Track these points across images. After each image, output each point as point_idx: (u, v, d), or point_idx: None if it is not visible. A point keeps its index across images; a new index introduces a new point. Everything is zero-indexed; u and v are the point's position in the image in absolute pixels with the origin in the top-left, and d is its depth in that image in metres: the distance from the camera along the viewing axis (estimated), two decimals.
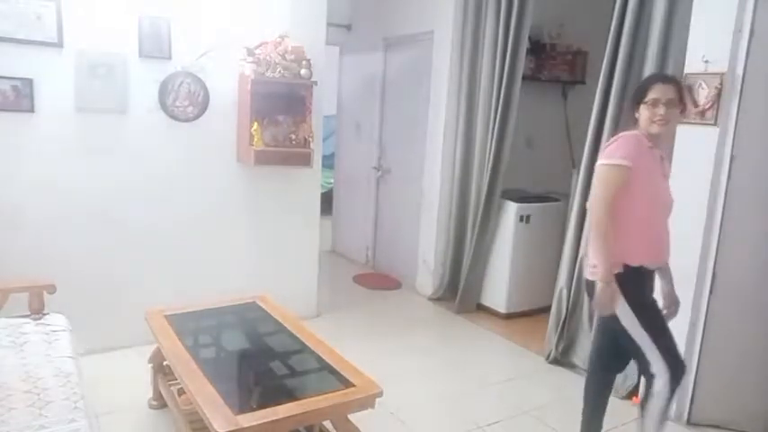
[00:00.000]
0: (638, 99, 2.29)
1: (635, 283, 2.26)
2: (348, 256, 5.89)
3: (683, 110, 2.37)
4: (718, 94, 2.70)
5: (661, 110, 2.21)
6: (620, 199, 2.20)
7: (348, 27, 5.53)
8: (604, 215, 2.20)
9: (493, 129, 4.12)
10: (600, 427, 2.52)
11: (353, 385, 2.21)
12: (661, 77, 2.38)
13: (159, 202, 3.45)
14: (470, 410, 3.01)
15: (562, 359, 3.55)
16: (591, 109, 3.37)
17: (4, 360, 2.17)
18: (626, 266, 2.23)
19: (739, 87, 2.68)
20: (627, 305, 2.22)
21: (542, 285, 4.21)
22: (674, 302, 2.45)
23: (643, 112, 2.26)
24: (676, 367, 2.26)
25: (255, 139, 3.43)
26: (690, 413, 2.94)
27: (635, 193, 2.21)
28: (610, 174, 2.21)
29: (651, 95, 2.24)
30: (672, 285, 2.45)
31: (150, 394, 2.85)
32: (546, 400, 3.16)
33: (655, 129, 2.23)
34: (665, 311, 2.41)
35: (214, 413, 1.96)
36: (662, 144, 2.35)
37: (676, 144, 2.91)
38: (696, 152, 2.82)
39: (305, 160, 3.60)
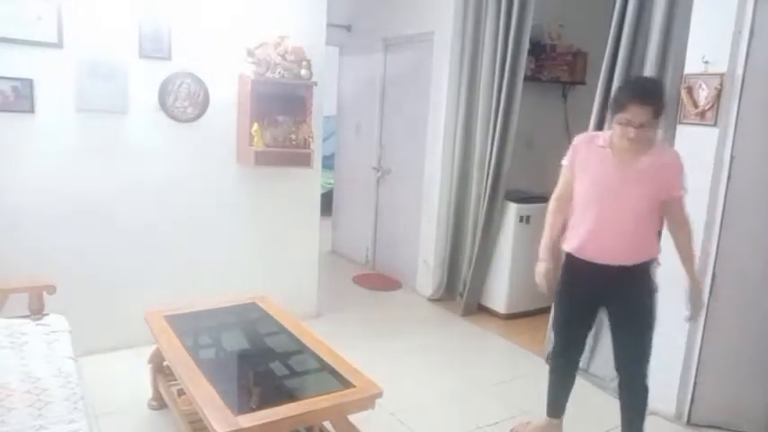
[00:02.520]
0: (614, 111, 2.24)
1: (564, 266, 2.51)
2: (348, 257, 5.89)
3: (658, 125, 2.24)
4: (718, 95, 2.69)
5: (631, 133, 2.17)
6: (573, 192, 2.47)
7: (348, 28, 5.53)
8: (550, 204, 2.59)
9: (494, 130, 4.12)
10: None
11: (353, 386, 2.21)
12: (640, 96, 2.17)
13: (159, 202, 3.45)
14: (470, 411, 3.01)
15: None
16: (591, 109, 3.36)
17: (4, 360, 2.17)
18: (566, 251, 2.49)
19: (739, 88, 2.68)
20: (545, 284, 2.53)
21: None
22: (693, 305, 2.41)
23: (615, 126, 2.24)
24: (554, 357, 2.68)
25: (255, 140, 3.43)
26: (690, 413, 2.94)
27: (576, 187, 2.44)
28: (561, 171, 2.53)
29: (625, 115, 2.17)
30: (692, 288, 2.39)
31: (150, 395, 2.85)
32: (546, 400, 3.15)
33: (624, 144, 2.23)
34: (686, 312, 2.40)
35: (214, 414, 1.96)
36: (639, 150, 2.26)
37: (676, 144, 2.92)
38: (696, 153, 2.82)
39: (305, 161, 3.60)
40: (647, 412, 2.46)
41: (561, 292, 2.54)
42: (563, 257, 2.51)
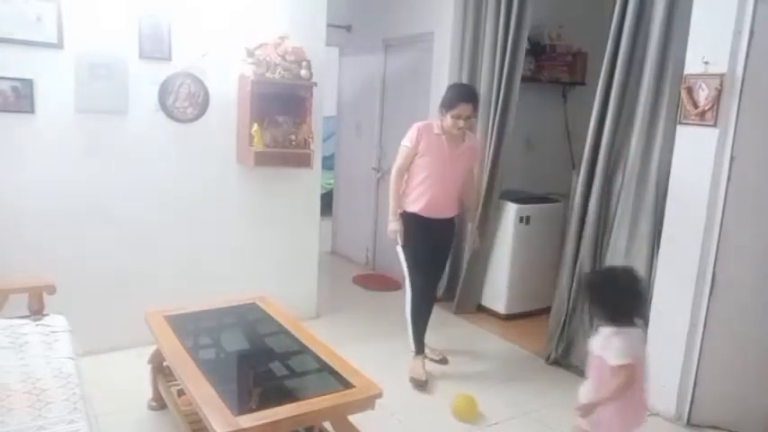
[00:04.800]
0: (447, 108, 3.11)
1: (407, 224, 3.27)
2: (348, 257, 5.89)
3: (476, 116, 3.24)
4: (718, 96, 2.69)
5: (461, 123, 3.09)
6: (411, 166, 3.25)
7: (348, 28, 5.53)
8: (394, 177, 3.29)
9: (492, 130, 4.12)
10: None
11: (353, 386, 2.21)
12: (465, 96, 3.10)
13: (159, 202, 3.45)
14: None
15: (562, 360, 3.55)
16: (591, 110, 3.37)
17: (4, 361, 2.17)
18: (404, 212, 3.27)
19: (739, 88, 2.68)
20: (399, 238, 3.30)
21: (542, 286, 4.20)
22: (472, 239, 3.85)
23: (447, 119, 3.12)
24: (416, 294, 3.41)
25: (255, 140, 3.43)
26: (690, 414, 2.94)
27: (417, 163, 3.22)
28: (401, 150, 3.27)
29: (456, 111, 3.07)
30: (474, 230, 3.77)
31: (150, 395, 2.85)
32: (546, 401, 3.15)
33: (455, 132, 3.14)
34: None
35: (214, 414, 1.96)
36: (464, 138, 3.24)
37: (676, 145, 2.92)
38: (696, 153, 2.82)
39: (305, 161, 3.60)
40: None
41: (410, 243, 3.30)
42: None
